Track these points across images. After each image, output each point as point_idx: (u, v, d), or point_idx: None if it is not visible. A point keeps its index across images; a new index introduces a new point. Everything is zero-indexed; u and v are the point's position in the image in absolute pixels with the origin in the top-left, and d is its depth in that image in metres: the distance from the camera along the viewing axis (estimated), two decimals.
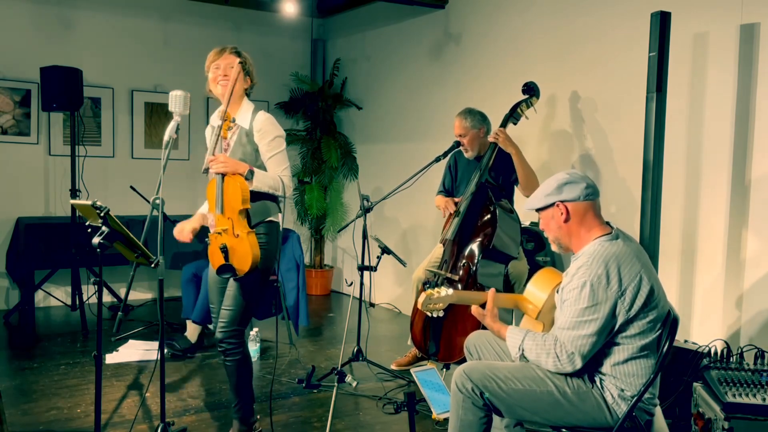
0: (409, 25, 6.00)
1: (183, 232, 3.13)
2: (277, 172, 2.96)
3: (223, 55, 2.97)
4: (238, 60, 2.92)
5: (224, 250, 2.87)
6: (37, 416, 3.44)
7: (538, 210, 2.45)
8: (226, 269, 2.89)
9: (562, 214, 2.37)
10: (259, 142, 2.95)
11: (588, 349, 2.25)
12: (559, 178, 2.40)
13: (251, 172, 2.85)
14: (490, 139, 4.00)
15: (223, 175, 2.85)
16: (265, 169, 2.96)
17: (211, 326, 5.02)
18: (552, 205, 2.39)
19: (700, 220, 3.78)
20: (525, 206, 2.52)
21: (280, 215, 3.03)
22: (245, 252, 2.84)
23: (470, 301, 2.75)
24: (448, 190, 4.31)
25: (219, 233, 2.89)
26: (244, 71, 2.95)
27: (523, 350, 2.35)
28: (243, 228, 2.85)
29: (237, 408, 3.08)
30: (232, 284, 2.96)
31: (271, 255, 3.01)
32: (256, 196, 2.91)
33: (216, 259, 2.93)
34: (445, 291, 2.56)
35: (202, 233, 3.15)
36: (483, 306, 2.58)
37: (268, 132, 2.95)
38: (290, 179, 3.02)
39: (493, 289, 2.60)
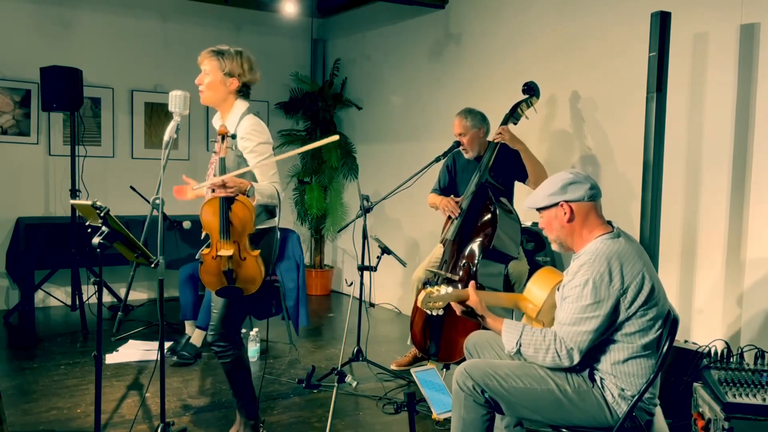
0: (409, 25, 6.00)
1: (184, 190, 2.95)
2: (266, 180, 2.85)
3: (201, 58, 2.89)
4: (216, 63, 2.83)
5: (229, 274, 2.80)
6: (37, 416, 3.43)
7: (540, 209, 2.44)
8: (229, 292, 2.83)
9: (565, 214, 2.36)
10: (243, 149, 2.84)
11: (587, 345, 2.26)
12: (563, 178, 2.38)
13: (252, 189, 2.74)
14: (495, 138, 4.00)
15: (230, 198, 2.72)
16: (251, 176, 2.84)
17: None
18: (555, 204, 2.37)
19: (700, 220, 3.78)
20: (526, 204, 2.48)
21: (275, 220, 2.96)
22: (254, 274, 2.78)
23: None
24: (443, 188, 4.30)
25: (227, 257, 2.77)
26: (225, 74, 2.86)
27: (520, 345, 2.35)
28: (250, 250, 2.78)
29: (239, 406, 3.09)
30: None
31: (265, 262, 2.91)
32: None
33: (215, 281, 2.84)
34: (444, 289, 2.55)
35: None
36: (463, 303, 2.57)
37: (251, 139, 2.83)
38: (280, 185, 2.88)
39: (473, 282, 2.60)
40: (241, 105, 2.94)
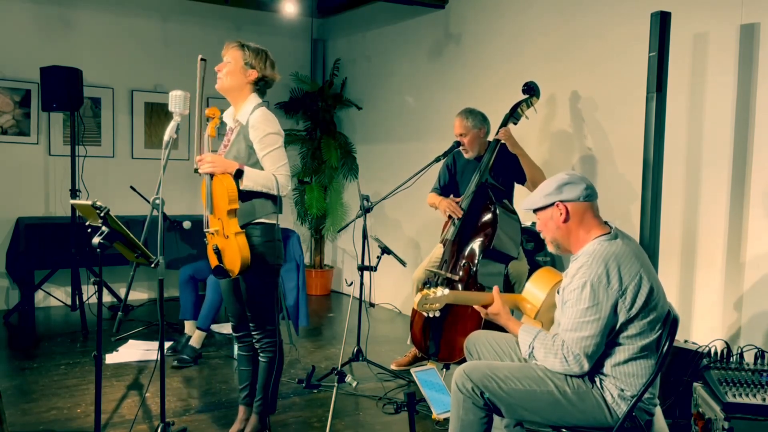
0: (409, 25, 6.00)
1: None
2: (271, 170, 2.88)
3: (225, 50, 2.95)
4: (239, 53, 2.90)
5: (217, 251, 2.85)
6: (37, 416, 3.44)
7: (536, 210, 2.45)
8: (219, 271, 2.86)
9: (561, 214, 2.37)
10: (253, 139, 2.87)
11: (593, 350, 2.25)
12: (559, 179, 2.40)
13: (240, 171, 2.79)
14: (497, 136, 4.00)
15: (212, 174, 2.81)
16: (260, 168, 2.89)
17: (216, 330, 5.04)
18: (551, 205, 2.39)
19: (700, 220, 3.78)
20: (523, 206, 2.50)
21: (278, 215, 2.96)
22: (234, 253, 2.80)
23: (467, 301, 2.75)
24: (443, 188, 4.29)
25: (212, 233, 2.87)
26: (245, 64, 2.91)
27: (533, 349, 2.35)
28: (232, 229, 2.81)
29: (259, 403, 3.09)
30: (246, 292, 2.96)
31: (268, 255, 2.93)
32: (247, 195, 2.85)
33: (212, 259, 2.92)
34: (441, 291, 2.56)
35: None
36: (485, 306, 2.58)
37: (260, 129, 2.87)
38: (287, 177, 2.92)
39: (496, 287, 2.60)
40: (255, 99, 2.98)
